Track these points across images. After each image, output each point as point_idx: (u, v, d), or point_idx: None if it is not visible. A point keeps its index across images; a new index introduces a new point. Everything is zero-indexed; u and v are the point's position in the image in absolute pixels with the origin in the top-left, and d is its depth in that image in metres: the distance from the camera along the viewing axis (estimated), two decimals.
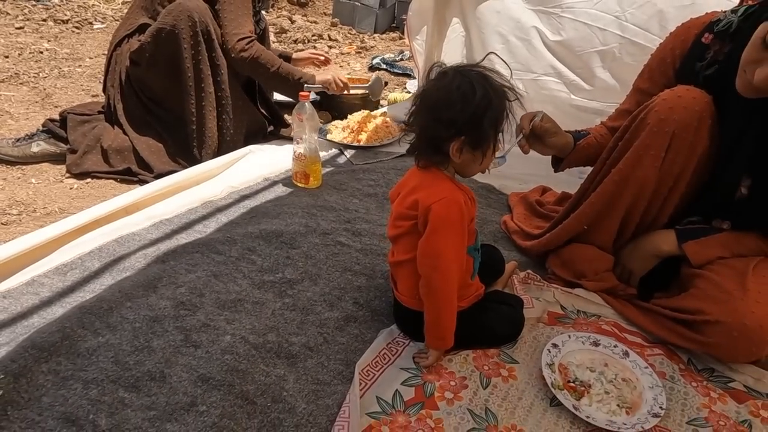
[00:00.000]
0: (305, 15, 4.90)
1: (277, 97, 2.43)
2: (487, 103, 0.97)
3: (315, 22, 4.62)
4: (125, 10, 4.24)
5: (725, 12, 1.16)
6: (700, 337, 1.11)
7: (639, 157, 1.18)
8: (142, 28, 1.84)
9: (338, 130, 2.23)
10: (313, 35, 4.10)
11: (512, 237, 1.59)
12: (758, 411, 1.06)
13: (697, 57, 1.18)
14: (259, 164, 1.92)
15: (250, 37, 1.84)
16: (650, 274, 1.29)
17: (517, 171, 2.17)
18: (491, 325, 1.12)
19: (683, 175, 1.18)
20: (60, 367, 1.01)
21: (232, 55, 1.82)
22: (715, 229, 1.21)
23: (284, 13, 4.70)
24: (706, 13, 1.21)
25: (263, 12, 2.34)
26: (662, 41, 1.29)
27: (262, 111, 2.16)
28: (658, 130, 1.14)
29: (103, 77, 1.95)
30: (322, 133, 2.24)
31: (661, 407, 1.02)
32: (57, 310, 1.17)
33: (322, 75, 2.01)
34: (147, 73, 1.81)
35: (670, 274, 1.28)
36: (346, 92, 2.20)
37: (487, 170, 1.13)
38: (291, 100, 2.30)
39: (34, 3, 4.22)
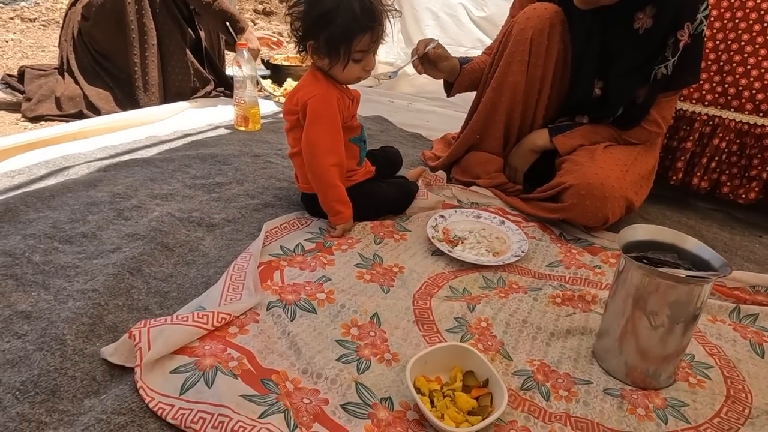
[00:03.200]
0: (269, 21, 5.17)
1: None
2: (332, 17, 1.07)
3: (277, 25, 4.87)
4: None
5: None
6: (561, 205, 1.32)
7: (508, 64, 1.40)
8: None
9: (281, 93, 2.46)
10: (273, 33, 4.34)
11: (426, 162, 1.78)
12: (608, 259, 1.26)
13: None
14: (206, 115, 2.10)
15: None
16: (532, 171, 1.50)
17: (446, 126, 2.39)
18: (382, 192, 1.31)
19: (546, 78, 1.41)
20: (2, 229, 1.16)
21: None
22: (577, 124, 1.43)
23: (248, 16, 4.95)
24: None
25: None
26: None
27: (209, 74, 2.35)
28: (519, 38, 1.37)
29: (59, 34, 2.12)
30: (269, 98, 2.46)
31: (522, 251, 1.21)
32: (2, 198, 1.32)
33: (254, 39, 2.21)
34: (94, 28, 1.99)
35: (548, 171, 1.49)
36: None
37: (376, 82, 1.31)
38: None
39: (2, 6, 4.39)
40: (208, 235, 1.22)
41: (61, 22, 2.16)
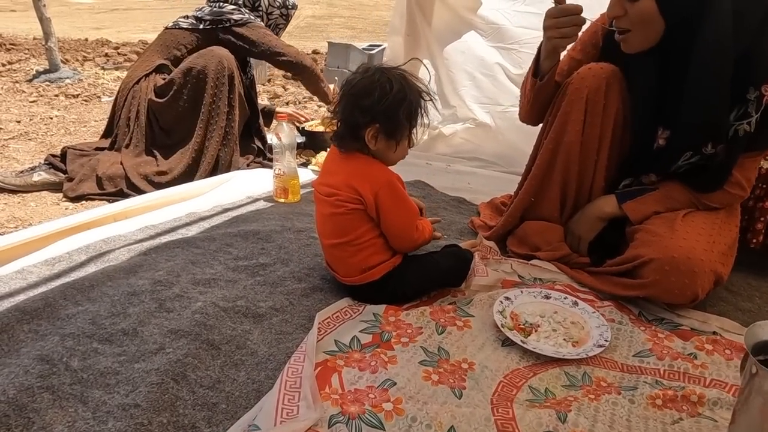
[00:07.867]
0: (298, 86, 5.29)
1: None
2: (402, 97, 1.10)
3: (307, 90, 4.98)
4: None
5: None
6: (640, 281, 1.18)
7: (563, 123, 1.32)
8: (159, 69, 2.12)
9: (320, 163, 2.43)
10: (304, 97, 4.42)
11: (477, 230, 1.68)
12: (703, 345, 1.10)
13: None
14: (244, 186, 2.07)
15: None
16: (599, 241, 1.38)
17: (489, 188, 2.30)
18: (435, 262, 1.24)
19: (604, 137, 1.31)
20: (40, 327, 1.09)
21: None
22: (649, 189, 1.31)
23: (278, 82, 5.08)
24: None
25: (252, 60, 2.61)
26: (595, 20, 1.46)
27: (256, 143, 2.37)
28: (575, 98, 1.29)
29: (110, 113, 2.17)
30: (306, 164, 2.43)
31: (606, 340, 1.07)
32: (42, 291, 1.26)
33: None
34: (168, 104, 2.06)
35: (616, 240, 1.36)
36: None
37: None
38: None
39: (48, 83, 4.62)
40: (255, 327, 1.13)
41: (106, 96, 2.23)
